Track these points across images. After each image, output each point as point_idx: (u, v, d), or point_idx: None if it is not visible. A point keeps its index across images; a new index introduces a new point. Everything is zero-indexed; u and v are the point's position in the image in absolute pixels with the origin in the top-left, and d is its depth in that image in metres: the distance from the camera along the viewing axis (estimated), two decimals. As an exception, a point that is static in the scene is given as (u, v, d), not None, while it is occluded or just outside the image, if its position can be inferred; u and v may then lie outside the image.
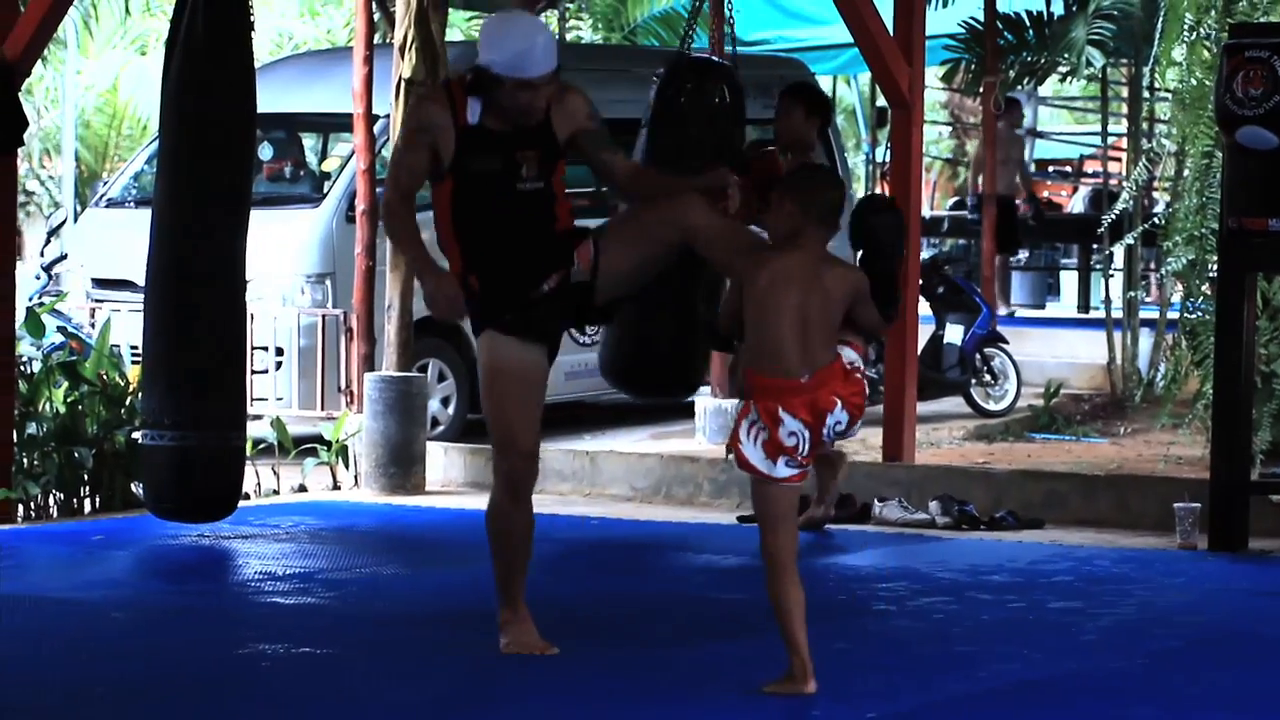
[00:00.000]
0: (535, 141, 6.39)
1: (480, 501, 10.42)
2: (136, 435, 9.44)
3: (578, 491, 10.80)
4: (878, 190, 19.86)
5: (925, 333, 13.08)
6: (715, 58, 10.46)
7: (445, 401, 12.51)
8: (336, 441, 10.72)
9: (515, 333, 6.41)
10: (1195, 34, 11.11)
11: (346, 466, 10.80)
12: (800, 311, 5.93)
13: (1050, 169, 24.07)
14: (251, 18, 8.72)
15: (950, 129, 29.28)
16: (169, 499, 8.80)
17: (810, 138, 9.30)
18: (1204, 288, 11.07)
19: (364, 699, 6.01)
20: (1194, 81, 11.02)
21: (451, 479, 11.09)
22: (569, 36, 19.47)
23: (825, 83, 21.44)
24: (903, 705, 5.96)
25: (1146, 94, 15.62)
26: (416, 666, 6.43)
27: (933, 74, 19.39)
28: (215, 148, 8.60)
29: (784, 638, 5.93)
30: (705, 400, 12.27)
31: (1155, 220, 12.80)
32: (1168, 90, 14.08)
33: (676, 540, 9.30)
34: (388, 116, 10.98)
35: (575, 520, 9.87)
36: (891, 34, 10.86)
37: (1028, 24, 16.14)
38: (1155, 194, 17.15)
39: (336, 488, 10.72)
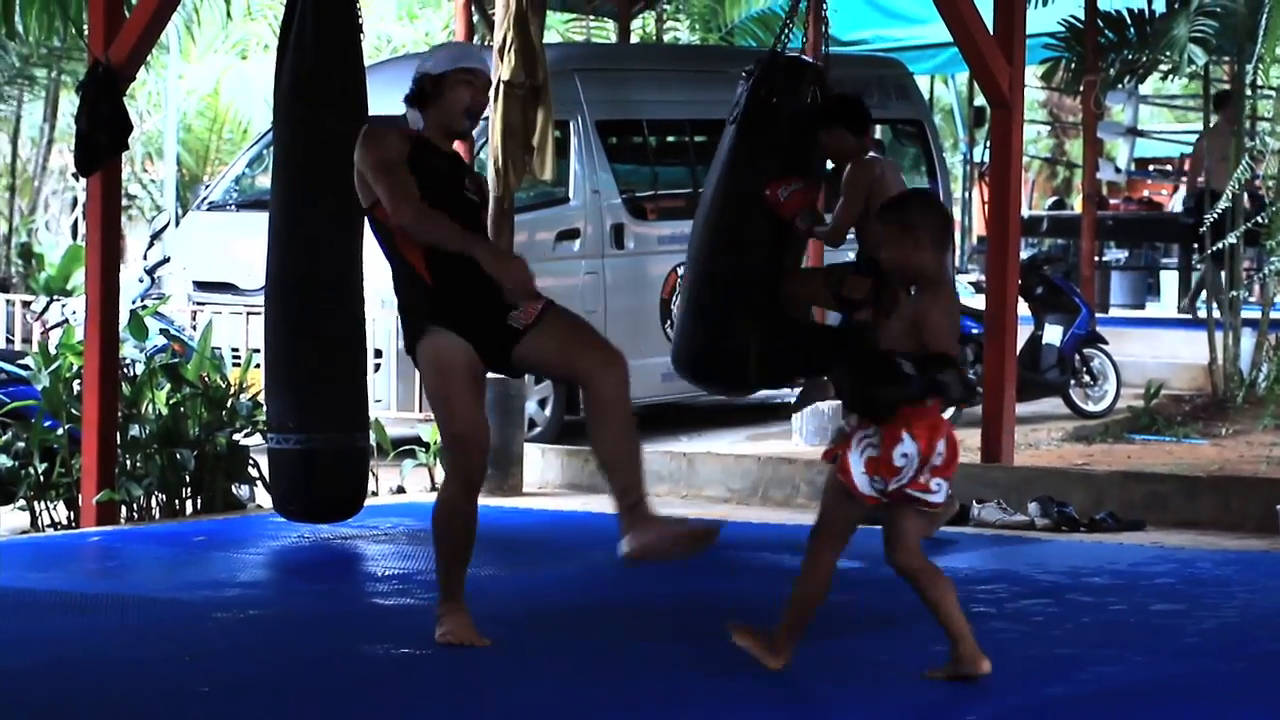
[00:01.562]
0: (468, 178, 6.76)
1: (580, 503, 10.52)
2: (263, 439, 9.51)
3: (674, 493, 10.81)
4: (974, 190, 19.75)
5: (1024, 333, 13.00)
6: (807, 58, 10.43)
7: (543, 403, 12.54)
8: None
9: (465, 334, 6.53)
10: (1299, 31, 11.01)
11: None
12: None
13: (1151, 168, 23.89)
14: (360, 20, 8.78)
15: (1049, 128, 29.10)
16: (297, 501, 8.92)
17: (848, 146, 9.21)
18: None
19: (462, 699, 6.03)
20: (1297, 79, 10.91)
21: (549, 480, 11.12)
22: (666, 37, 19.47)
23: (923, 82, 21.36)
24: (1003, 706, 5.93)
25: (1249, 92, 15.47)
26: (515, 667, 6.44)
27: (1032, 73, 19.28)
28: (331, 152, 8.64)
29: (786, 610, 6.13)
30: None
31: (1258, 220, 12.68)
32: (1271, 88, 13.95)
33: (774, 542, 9.27)
34: (486, 119, 11.02)
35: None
36: (991, 33, 10.81)
37: (1129, 21, 16.03)
38: (1258, 193, 16.98)
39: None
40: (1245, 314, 14.48)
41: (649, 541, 6.42)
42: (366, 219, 6.79)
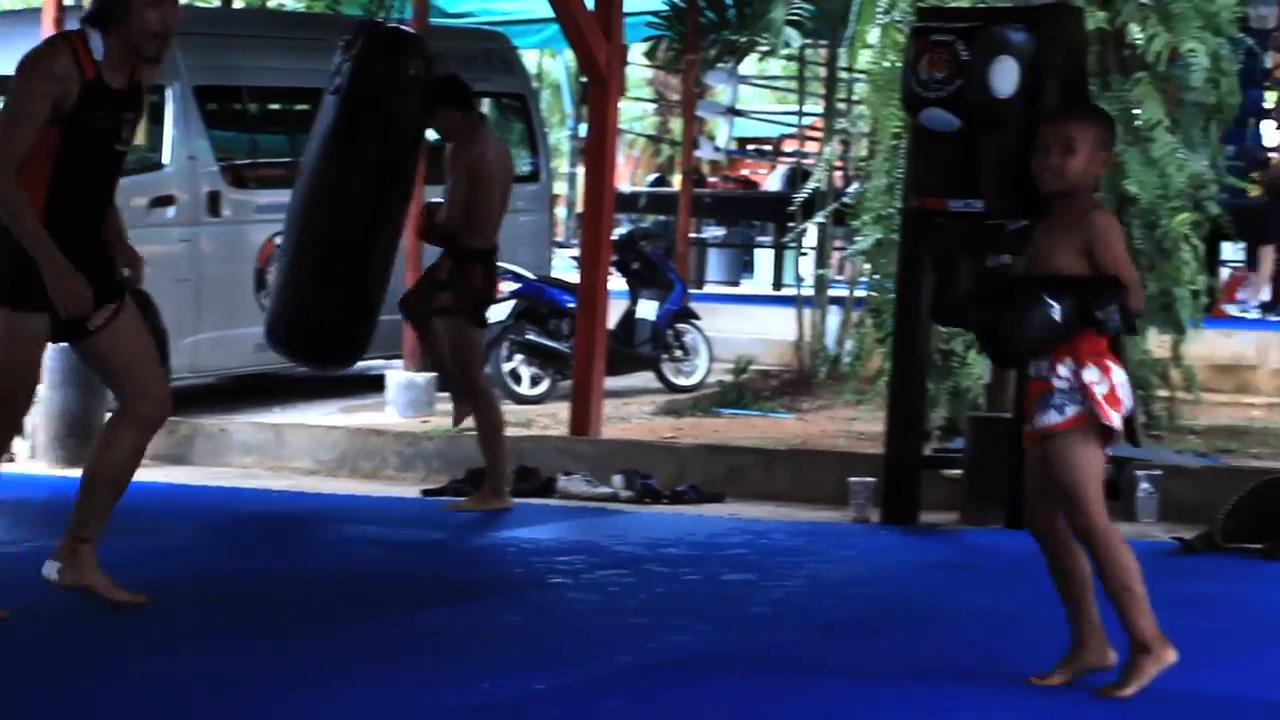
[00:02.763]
0: (134, 104, 6.44)
1: (163, 474, 10.33)
2: None
3: (261, 464, 10.70)
4: (579, 166, 19.90)
5: (619, 308, 13.16)
6: (410, 30, 10.44)
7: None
8: None
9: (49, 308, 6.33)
10: (889, 17, 11.30)
11: (23, 438, 10.56)
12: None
13: (750, 147, 24.35)
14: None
15: (655, 106, 29.47)
16: None
17: (457, 124, 9.31)
18: (890, 266, 11.27)
19: (20, 671, 5.88)
20: (886, 64, 11.20)
21: (133, 451, 10.90)
22: (270, 3, 19.22)
23: (532, 57, 21.46)
24: (571, 677, 5.98)
25: (843, 75, 15.86)
26: (79, 637, 6.31)
27: (637, 50, 19.50)
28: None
29: (1125, 610, 5.63)
30: (396, 374, 12.20)
31: (846, 199, 12.99)
32: (862, 71, 14.30)
33: (360, 514, 9.25)
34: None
35: (259, 493, 9.78)
36: (591, 9, 10.91)
37: (728, 3, 16.30)
38: (849, 173, 17.42)
39: (11, 459, 10.46)
40: (835, 292, 14.86)
41: (70, 581, 6.56)
42: None
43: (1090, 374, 5.61)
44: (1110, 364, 5.64)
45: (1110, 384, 5.62)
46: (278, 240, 12.82)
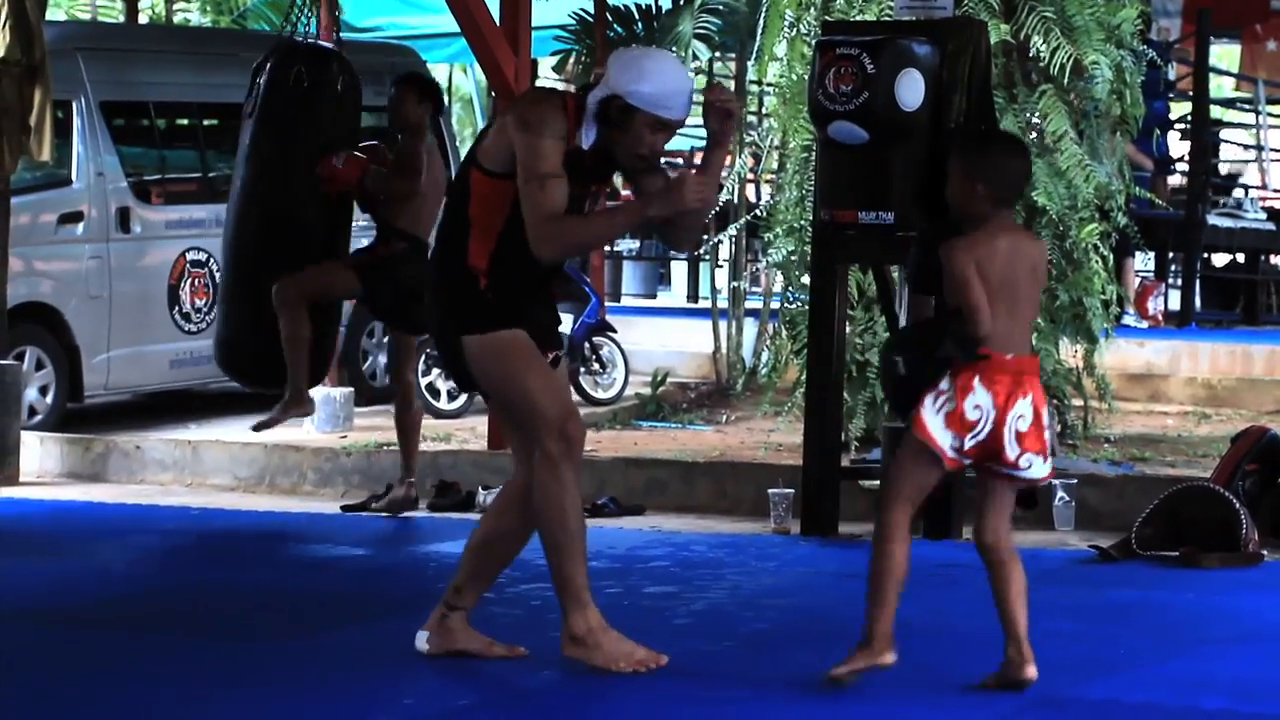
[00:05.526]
0: (606, 175, 6.22)
1: (80, 492, 10.26)
2: None
3: (179, 481, 10.64)
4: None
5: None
6: (326, 44, 10.46)
7: (44, 390, 12.20)
8: None
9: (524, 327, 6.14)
10: (795, 30, 11.36)
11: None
12: (1011, 291, 5.75)
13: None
14: None
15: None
16: None
17: (423, 122, 9.48)
18: (803, 278, 11.34)
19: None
20: (794, 77, 11.27)
21: (48, 469, 10.84)
22: (176, 19, 19.15)
23: (440, 71, 21.45)
24: (494, 691, 6.01)
25: (752, 88, 15.93)
26: (3, 662, 6.27)
27: (546, 65, 19.52)
28: None
29: (868, 601, 5.88)
30: (314, 390, 12.13)
31: (759, 212, 13.06)
32: (770, 84, 14.38)
33: (279, 530, 9.22)
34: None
35: (176, 510, 9.73)
36: (498, 23, 10.93)
37: (636, 17, 16.34)
38: (762, 186, 17.49)
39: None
40: (750, 304, 14.91)
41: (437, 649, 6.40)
42: (460, 180, 6.15)
43: (942, 387, 5.73)
44: (976, 384, 5.72)
45: (957, 405, 5.72)
46: (190, 256, 12.86)
